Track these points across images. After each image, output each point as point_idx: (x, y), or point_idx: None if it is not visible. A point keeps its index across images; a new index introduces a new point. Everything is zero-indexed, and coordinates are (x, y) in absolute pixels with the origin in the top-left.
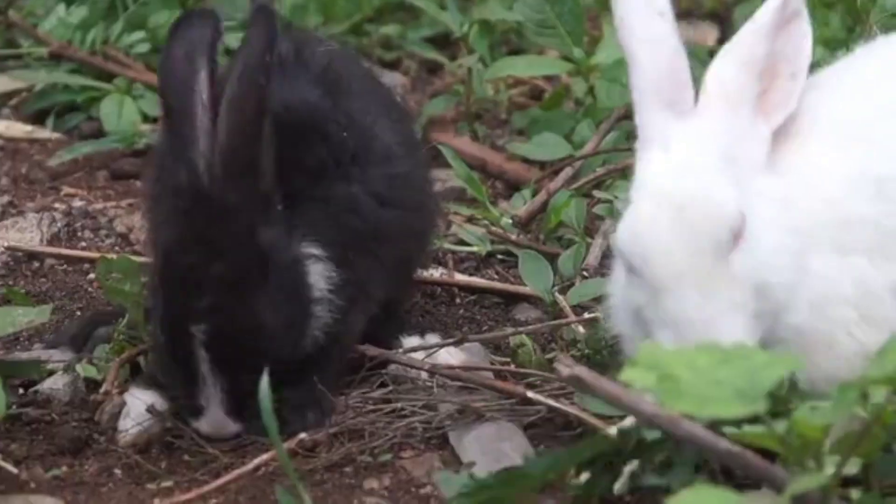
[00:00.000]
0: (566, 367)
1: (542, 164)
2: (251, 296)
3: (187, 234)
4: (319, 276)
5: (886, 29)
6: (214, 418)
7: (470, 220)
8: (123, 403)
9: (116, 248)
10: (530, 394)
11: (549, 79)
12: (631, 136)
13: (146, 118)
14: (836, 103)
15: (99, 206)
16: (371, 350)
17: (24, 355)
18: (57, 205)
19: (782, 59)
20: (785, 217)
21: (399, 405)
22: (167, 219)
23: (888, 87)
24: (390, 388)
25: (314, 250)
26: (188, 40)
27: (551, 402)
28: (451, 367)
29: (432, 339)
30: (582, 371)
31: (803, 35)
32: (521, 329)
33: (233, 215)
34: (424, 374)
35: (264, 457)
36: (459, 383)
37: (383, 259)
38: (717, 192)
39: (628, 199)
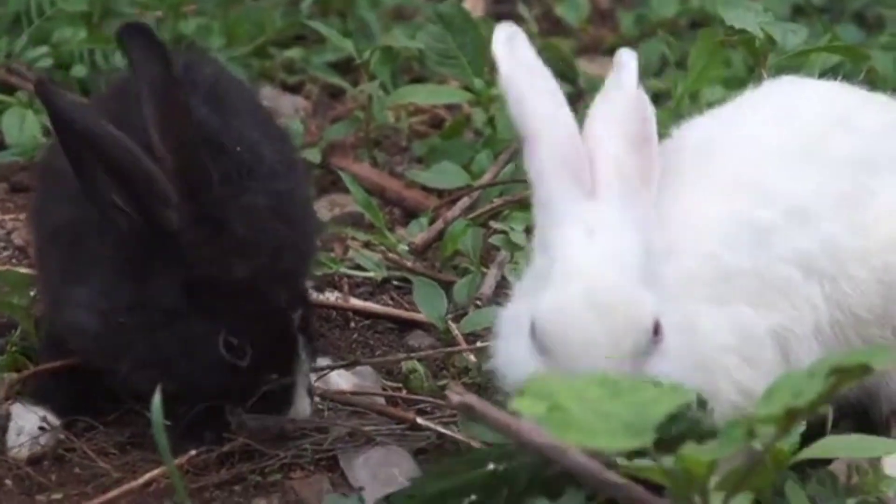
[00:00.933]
0: (457, 394)
1: (440, 193)
2: None
3: None
4: None
5: (784, 70)
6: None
7: (367, 245)
8: (14, 417)
9: (14, 260)
10: (420, 420)
11: (449, 108)
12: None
13: (47, 132)
14: (717, 151)
15: None
16: None
17: None
18: None
19: (631, 111)
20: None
21: (290, 426)
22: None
23: (770, 134)
24: None
25: None
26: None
27: (441, 428)
28: (343, 392)
29: (324, 362)
30: (472, 399)
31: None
32: (413, 355)
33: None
34: (316, 397)
35: (154, 472)
36: (351, 407)
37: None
38: (639, 296)
39: (546, 275)
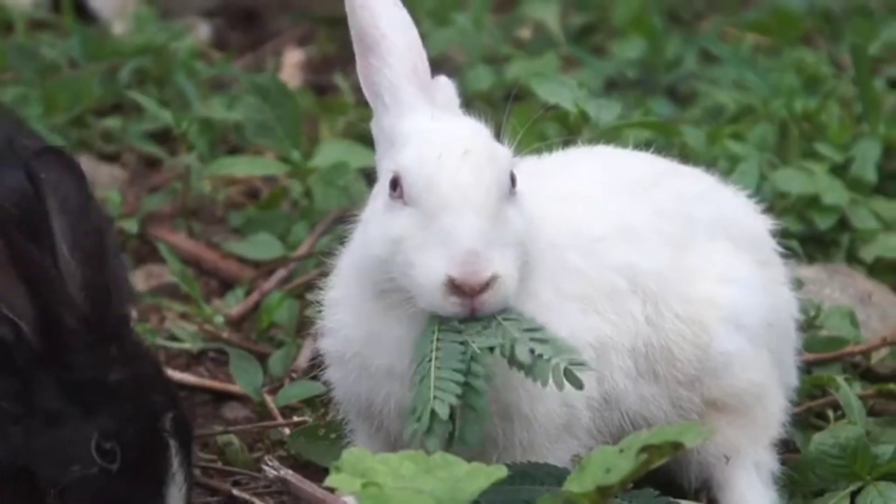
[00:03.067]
0: (273, 469)
1: (256, 264)
2: None
3: None
4: None
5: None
6: None
7: (183, 316)
8: None
9: None
10: (236, 491)
11: (266, 179)
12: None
13: None
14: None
15: None
16: None
17: None
18: None
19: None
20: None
21: None
22: None
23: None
24: None
25: None
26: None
27: (257, 501)
28: None
29: None
30: (288, 474)
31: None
32: (230, 428)
33: None
34: None
35: None
36: None
37: None
38: (500, 148)
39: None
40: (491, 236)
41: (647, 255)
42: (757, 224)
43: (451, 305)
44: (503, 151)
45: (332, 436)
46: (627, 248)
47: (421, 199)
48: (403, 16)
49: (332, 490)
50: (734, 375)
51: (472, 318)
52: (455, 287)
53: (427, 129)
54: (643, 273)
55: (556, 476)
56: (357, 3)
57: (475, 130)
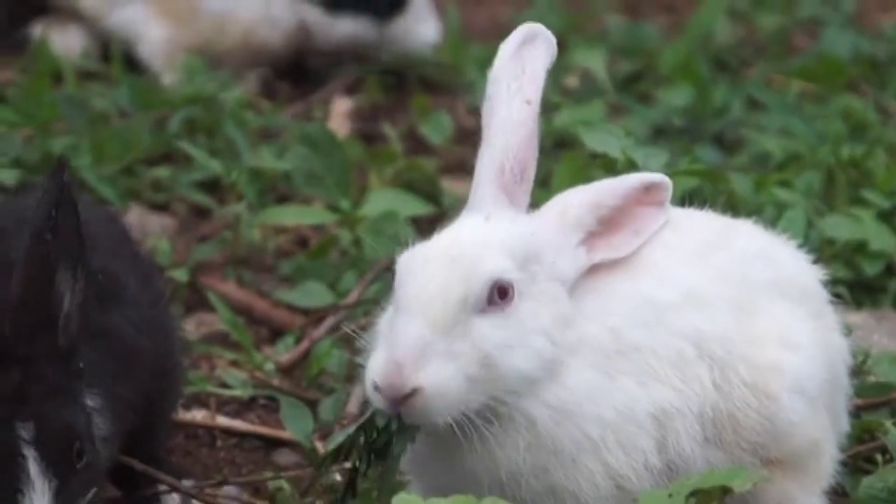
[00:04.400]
0: None
1: (306, 312)
2: None
3: None
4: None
5: None
6: None
7: (234, 364)
8: None
9: None
10: None
11: (315, 227)
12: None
13: None
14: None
15: None
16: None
17: None
18: None
19: (632, 219)
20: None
21: None
22: None
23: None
24: None
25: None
26: None
27: None
28: None
29: (189, 482)
30: None
31: (658, 212)
32: (281, 474)
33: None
34: None
35: None
36: None
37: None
38: (490, 258)
39: None
40: (436, 348)
41: (713, 320)
42: (809, 277)
43: (378, 402)
44: (494, 265)
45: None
46: (694, 313)
47: (396, 296)
48: (523, 115)
49: None
50: (795, 439)
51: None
52: (380, 390)
53: (451, 228)
54: (709, 338)
55: None
56: (487, 93)
57: (481, 237)
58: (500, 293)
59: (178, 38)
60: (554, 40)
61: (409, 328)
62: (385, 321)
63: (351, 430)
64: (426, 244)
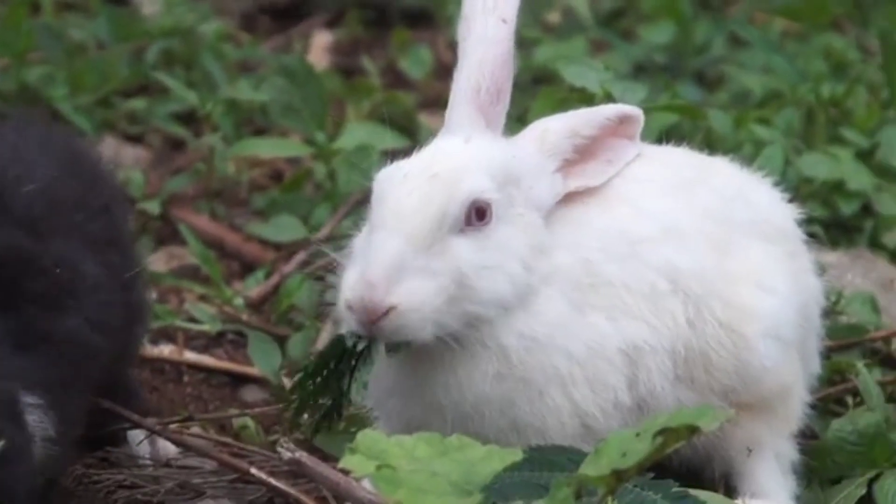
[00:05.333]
0: (288, 450)
1: (278, 246)
2: None
3: None
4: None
5: None
6: None
7: (203, 298)
8: None
9: None
10: (253, 470)
11: (291, 161)
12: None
13: None
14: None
15: None
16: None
17: None
18: None
19: (606, 149)
20: (543, 257)
21: (122, 477)
22: None
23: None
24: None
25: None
26: None
27: (273, 481)
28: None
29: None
30: (303, 456)
31: (630, 144)
32: (246, 411)
33: None
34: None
35: None
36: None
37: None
38: (469, 178)
39: None
40: (413, 264)
41: (690, 256)
42: (786, 216)
43: (353, 324)
44: (474, 184)
45: (353, 429)
46: (670, 248)
47: (373, 212)
48: (498, 33)
49: (346, 472)
50: (767, 383)
51: (373, 340)
52: (353, 309)
53: (431, 147)
54: (685, 273)
55: (573, 460)
56: (463, 12)
57: (461, 158)
58: (478, 214)
59: None
60: None
61: (385, 244)
62: (360, 240)
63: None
64: (404, 162)
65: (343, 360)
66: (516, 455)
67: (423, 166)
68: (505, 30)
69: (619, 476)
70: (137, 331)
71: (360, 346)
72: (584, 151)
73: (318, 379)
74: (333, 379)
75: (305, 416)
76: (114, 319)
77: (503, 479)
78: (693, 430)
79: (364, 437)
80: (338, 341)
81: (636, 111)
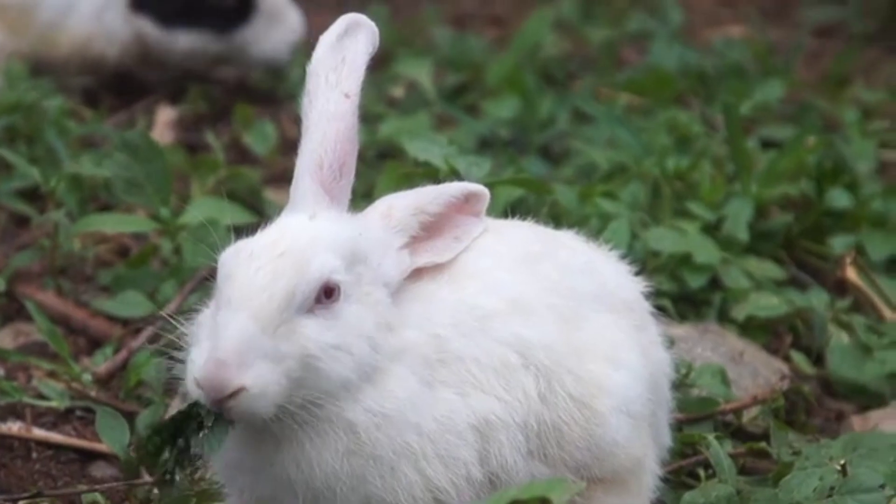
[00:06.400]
0: None
1: (125, 322)
2: None
3: None
4: None
5: None
6: None
7: (51, 374)
8: None
9: None
10: None
11: (137, 237)
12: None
13: None
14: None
15: None
16: None
17: None
18: None
19: (452, 226)
20: (391, 335)
21: None
22: None
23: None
24: None
25: None
26: None
27: None
28: None
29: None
30: None
31: (476, 220)
32: (95, 487)
33: None
34: None
35: None
36: None
37: None
38: (319, 257)
39: None
40: (260, 345)
41: (539, 329)
42: (633, 290)
43: (200, 398)
44: (323, 264)
45: None
46: (519, 322)
47: (220, 289)
48: (341, 108)
49: None
50: (619, 458)
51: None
52: (202, 387)
53: (276, 225)
54: (535, 347)
55: None
56: (306, 87)
57: (308, 236)
58: (326, 293)
59: (10, 45)
60: (376, 30)
61: (233, 324)
62: (206, 318)
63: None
64: (251, 239)
65: (189, 425)
66: None
67: (268, 244)
68: (348, 105)
69: None
70: None
71: (208, 418)
72: (430, 228)
73: (163, 437)
74: (176, 443)
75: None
76: None
77: None
78: (544, 502)
79: None
80: (188, 408)
81: (481, 189)
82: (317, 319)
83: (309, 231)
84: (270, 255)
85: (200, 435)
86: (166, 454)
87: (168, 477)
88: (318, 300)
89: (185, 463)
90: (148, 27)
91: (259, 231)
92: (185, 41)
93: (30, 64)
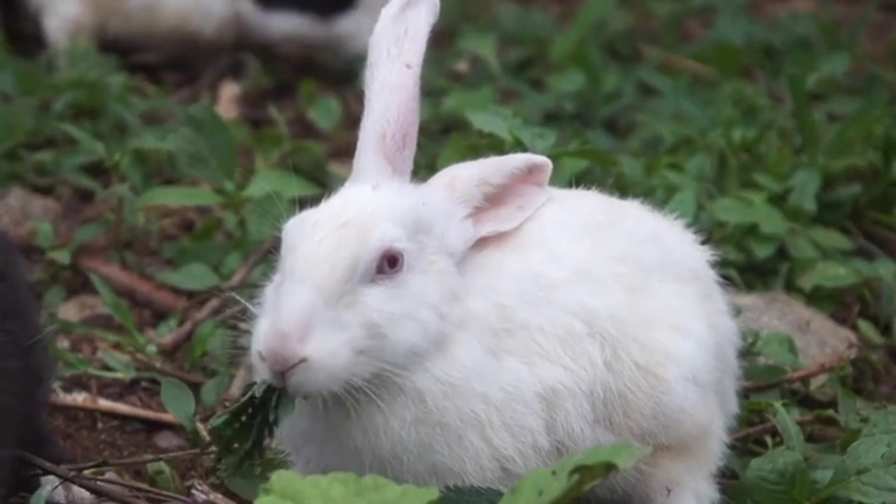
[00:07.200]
0: (202, 493)
1: (189, 294)
2: None
3: None
4: None
5: None
6: None
7: (116, 346)
8: None
9: None
10: None
11: (200, 210)
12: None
13: None
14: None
15: None
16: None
17: None
18: None
19: (516, 196)
20: (456, 304)
21: None
22: None
23: (556, 213)
24: None
25: None
26: None
27: None
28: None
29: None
30: (217, 498)
31: (539, 190)
32: (161, 456)
33: None
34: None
35: None
36: None
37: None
38: (380, 226)
39: None
40: (324, 316)
41: (605, 298)
42: (699, 259)
43: (264, 372)
44: (385, 233)
45: (269, 474)
46: (584, 291)
47: (284, 261)
48: (403, 79)
49: None
50: (685, 425)
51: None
52: (265, 360)
53: (340, 195)
54: (601, 316)
55: (489, 499)
56: (369, 59)
57: (371, 206)
58: (389, 262)
59: (91, 20)
60: (437, 1)
61: (296, 296)
62: (271, 289)
63: (234, 406)
64: (314, 210)
65: (257, 407)
66: (432, 494)
67: (332, 215)
68: (410, 75)
69: None
70: (39, 396)
71: (273, 395)
72: (493, 199)
73: (236, 425)
74: (248, 425)
75: (222, 461)
76: (16, 386)
77: None
78: (609, 467)
79: (278, 477)
80: (251, 389)
81: (544, 160)
82: (380, 289)
83: (371, 201)
84: (334, 225)
85: (270, 418)
86: (238, 442)
87: (245, 465)
88: (380, 270)
89: (258, 452)
90: (246, 6)
91: (322, 202)
92: (284, 24)
93: (112, 40)
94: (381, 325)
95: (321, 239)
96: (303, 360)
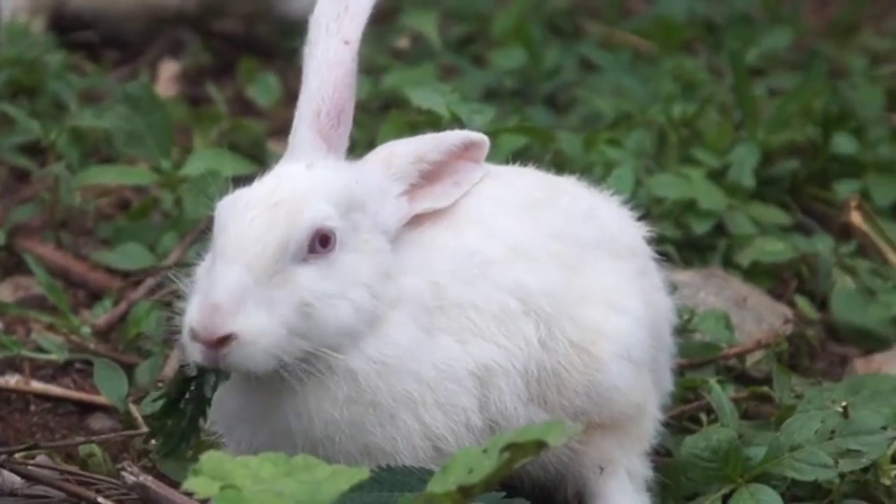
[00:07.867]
0: (132, 475)
1: (125, 274)
2: None
3: None
4: None
5: None
6: None
7: (50, 328)
8: None
9: None
10: (100, 499)
11: (138, 189)
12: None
13: None
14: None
15: None
16: None
17: None
18: None
19: (452, 172)
20: (390, 282)
21: None
22: None
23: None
24: None
25: None
26: None
27: None
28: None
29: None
30: (147, 479)
31: (476, 166)
32: (92, 438)
33: None
34: None
35: None
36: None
37: None
38: (312, 205)
39: None
40: (254, 294)
41: (540, 276)
42: (635, 235)
43: (195, 352)
44: (316, 211)
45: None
46: (520, 268)
47: (216, 241)
48: (340, 55)
49: (190, 494)
50: (619, 404)
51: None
52: (195, 336)
53: (273, 174)
54: (535, 293)
55: (420, 478)
56: (308, 37)
57: (304, 184)
58: (321, 241)
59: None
60: None
61: (226, 273)
62: (203, 269)
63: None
64: (247, 189)
65: (188, 388)
66: (362, 474)
67: (264, 194)
68: (347, 52)
69: (465, 492)
70: None
71: (204, 376)
72: (429, 175)
73: (168, 407)
74: (179, 407)
75: (153, 442)
76: None
77: (349, 498)
78: (540, 444)
79: (208, 458)
80: (182, 371)
81: (482, 137)
82: (312, 268)
83: (304, 179)
84: (265, 204)
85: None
86: (171, 424)
87: (180, 446)
88: (312, 249)
89: (192, 434)
90: None
91: (256, 181)
92: None
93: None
94: (313, 305)
95: (252, 218)
96: (232, 336)
